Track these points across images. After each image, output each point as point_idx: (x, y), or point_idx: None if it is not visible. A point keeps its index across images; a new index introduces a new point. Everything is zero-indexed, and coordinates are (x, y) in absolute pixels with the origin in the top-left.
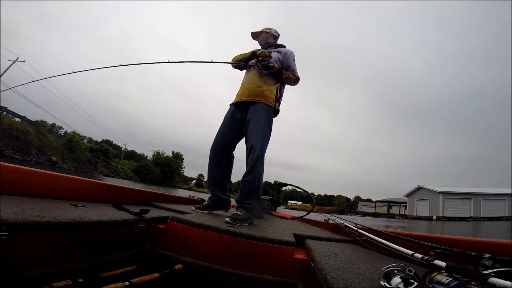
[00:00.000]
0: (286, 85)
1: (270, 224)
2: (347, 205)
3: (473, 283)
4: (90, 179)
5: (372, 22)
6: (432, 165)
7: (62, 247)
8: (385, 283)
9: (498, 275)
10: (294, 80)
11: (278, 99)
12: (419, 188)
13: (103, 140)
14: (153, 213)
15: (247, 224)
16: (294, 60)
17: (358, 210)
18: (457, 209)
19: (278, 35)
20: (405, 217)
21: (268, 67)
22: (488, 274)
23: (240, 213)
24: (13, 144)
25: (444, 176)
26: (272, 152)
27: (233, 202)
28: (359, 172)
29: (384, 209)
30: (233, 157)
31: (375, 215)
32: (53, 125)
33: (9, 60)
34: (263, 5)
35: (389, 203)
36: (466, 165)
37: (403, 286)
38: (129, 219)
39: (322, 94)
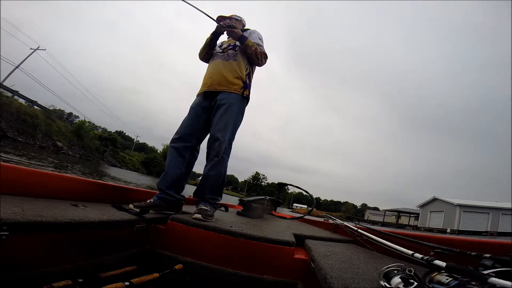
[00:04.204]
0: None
1: (270, 224)
2: (354, 212)
3: (473, 283)
4: (90, 179)
5: (389, 29)
6: (439, 176)
7: (62, 247)
8: (385, 283)
9: (498, 275)
10: (261, 53)
11: (247, 85)
12: (434, 200)
13: (116, 131)
14: (153, 213)
15: (214, 219)
16: (260, 39)
17: (366, 218)
18: (474, 223)
19: (245, 25)
20: (416, 228)
21: (231, 26)
22: (488, 274)
23: (207, 208)
24: (18, 126)
25: (451, 187)
26: (282, 155)
27: (227, 201)
28: (367, 180)
29: (392, 219)
30: (198, 151)
31: (383, 224)
32: (70, 114)
33: (31, 49)
34: (281, 9)
35: (399, 212)
36: (474, 177)
37: (403, 286)
38: (129, 219)
39: (335, 100)
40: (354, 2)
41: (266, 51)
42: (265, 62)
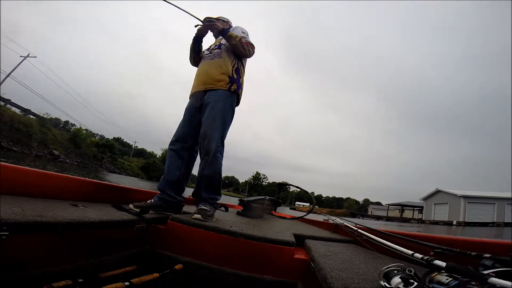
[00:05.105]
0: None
1: (270, 224)
2: (357, 208)
3: (473, 283)
4: (90, 179)
5: (388, 27)
6: (439, 169)
7: (62, 247)
8: (385, 283)
9: (498, 275)
10: (246, 43)
11: (234, 79)
12: (437, 192)
13: (114, 137)
14: (153, 213)
15: (214, 220)
16: (243, 33)
17: (370, 213)
18: (479, 214)
19: (231, 27)
20: (420, 221)
21: (211, 21)
22: (488, 274)
23: (207, 208)
24: (13, 136)
25: (452, 180)
26: (282, 154)
27: (225, 200)
28: (368, 176)
29: (396, 213)
30: (196, 152)
31: (388, 218)
32: (67, 122)
33: (21, 56)
34: (278, 8)
35: (402, 206)
36: (474, 169)
37: (403, 286)
38: (129, 219)
39: (333, 98)
40: (352, 2)
41: (255, 44)
42: (253, 52)
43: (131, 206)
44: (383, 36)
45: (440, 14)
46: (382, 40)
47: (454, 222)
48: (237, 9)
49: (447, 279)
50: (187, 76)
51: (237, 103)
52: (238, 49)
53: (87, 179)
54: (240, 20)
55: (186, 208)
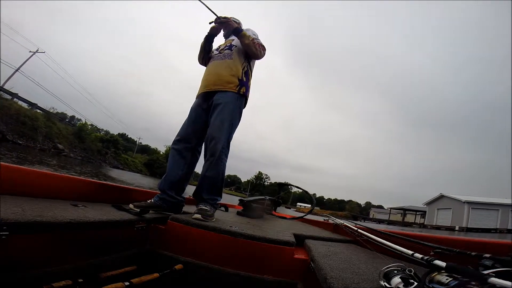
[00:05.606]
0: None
1: (270, 224)
2: (359, 211)
3: (473, 283)
4: (90, 179)
5: (389, 27)
6: (444, 173)
7: (62, 247)
8: (385, 283)
9: (498, 275)
10: (258, 45)
11: (243, 82)
12: (441, 197)
13: (118, 133)
14: (153, 213)
15: (214, 220)
16: (254, 35)
17: (371, 216)
18: (482, 220)
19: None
20: (422, 226)
21: (226, 18)
22: (488, 274)
23: (207, 208)
24: (18, 129)
25: (455, 184)
26: (285, 155)
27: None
28: (370, 178)
29: (398, 217)
30: (199, 152)
31: (390, 222)
32: (73, 117)
33: (30, 51)
34: (279, 9)
35: (404, 211)
36: (478, 173)
37: (403, 286)
38: (129, 219)
39: (338, 99)
40: (353, 2)
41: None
42: (264, 53)
43: (131, 206)
44: (385, 36)
45: (443, 15)
46: (384, 40)
47: (457, 228)
48: (237, 10)
49: (447, 279)
50: (193, 75)
51: (244, 106)
52: (250, 49)
53: (87, 179)
54: (242, 20)
55: (186, 208)
